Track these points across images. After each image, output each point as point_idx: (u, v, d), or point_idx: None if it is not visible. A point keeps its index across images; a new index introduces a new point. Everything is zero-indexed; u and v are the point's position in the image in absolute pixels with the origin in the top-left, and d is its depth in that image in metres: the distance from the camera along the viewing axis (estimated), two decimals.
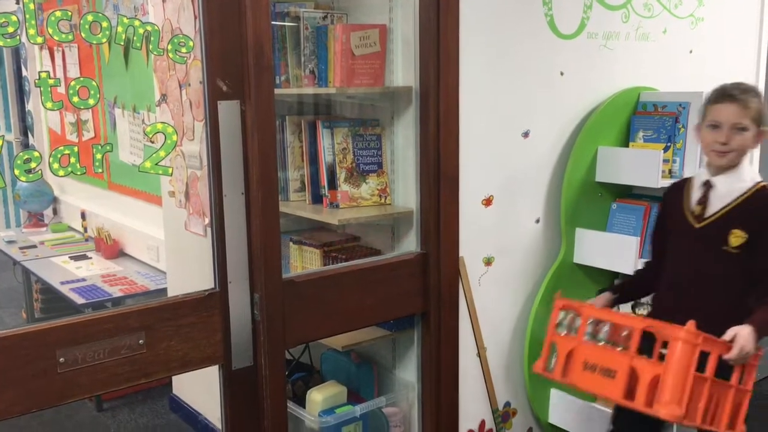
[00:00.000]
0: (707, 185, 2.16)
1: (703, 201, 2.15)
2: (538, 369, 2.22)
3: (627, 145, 2.82)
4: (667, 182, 2.63)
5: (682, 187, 2.26)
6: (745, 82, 2.18)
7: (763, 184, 2.14)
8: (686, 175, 2.68)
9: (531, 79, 2.56)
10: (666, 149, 2.70)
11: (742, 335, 1.95)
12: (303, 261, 2.68)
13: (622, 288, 2.42)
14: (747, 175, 2.14)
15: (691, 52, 3.06)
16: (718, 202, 2.13)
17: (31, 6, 1.63)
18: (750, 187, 2.12)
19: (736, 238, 2.09)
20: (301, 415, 2.46)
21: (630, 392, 1.96)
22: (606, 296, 2.35)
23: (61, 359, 1.75)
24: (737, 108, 2.07)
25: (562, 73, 2.64)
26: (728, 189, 2.13)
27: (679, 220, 2.21)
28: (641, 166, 2.60)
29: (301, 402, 2.51)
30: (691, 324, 1.90)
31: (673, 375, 1.87)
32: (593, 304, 2.24)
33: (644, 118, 2.80)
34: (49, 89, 1.68)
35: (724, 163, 2.11)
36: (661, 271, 2.27)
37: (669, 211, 2.28)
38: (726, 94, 2.11)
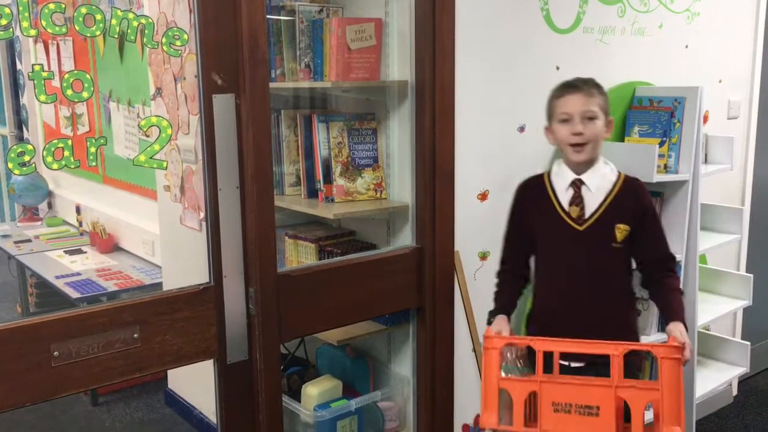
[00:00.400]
0: (577, 184, 2.12)
1: (579, 201, 2.11)
2: (491, 425, 1.90)
3: (622, 140, 2.83)
4: (662, 177, 2.64)
5: (540, 186, 2.18)
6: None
7: (624, 174, 2.15)
8: (681, 170, 2.69)
9: (527, 74, 2.56)
10: (661, 144, 2.70)
11: (684, 334, 1.94)
12: (298, 255, 2.68)
13: (506, 306, 2.23)
14: (606, 169, 2.14)
15: (687, 46, 3.06)
16: (593, 200, 2.11)
17: None
18: (615, 180, 2.12)
19: (621, 232, 2.09)
20: (296, 410, 2.46)
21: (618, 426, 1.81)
22: (505, 319, 2.17)
23: (56, 353, 1.74)
24: (583, 96, 2.07)
25: (558, 68, 2.63)
26: (597, 185, 2.11)
27: (552, 223, 2.13)
28: (636, 160, 2.60)
29: (297, 396, 2.51)
30: (672, 339, 1.88)
31: (670, 396, 1.79)
32: (501, 332, 2.08)
33: (640, 112, 2.81)
34: (43, 82, 1.68)
35: (583, 159, 2.09)
36: (526, 273, 2.24)
37: (531, 213, 2.19)
38: (569, 86, 2.11)
